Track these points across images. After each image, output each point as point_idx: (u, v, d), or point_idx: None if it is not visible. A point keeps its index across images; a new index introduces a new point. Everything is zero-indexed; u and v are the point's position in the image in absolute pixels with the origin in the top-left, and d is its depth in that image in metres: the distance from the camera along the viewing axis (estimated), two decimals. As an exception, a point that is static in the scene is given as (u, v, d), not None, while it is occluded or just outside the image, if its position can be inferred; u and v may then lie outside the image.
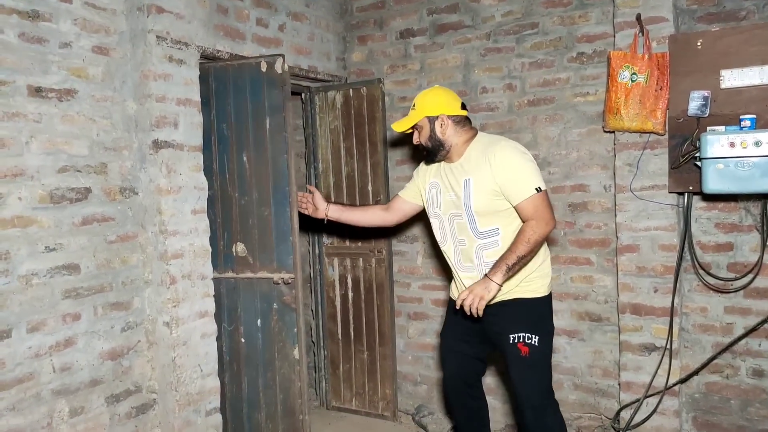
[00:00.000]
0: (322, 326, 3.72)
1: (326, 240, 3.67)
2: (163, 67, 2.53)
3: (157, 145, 2.52)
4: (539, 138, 3.16)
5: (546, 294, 2.34)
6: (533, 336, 2.25)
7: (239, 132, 2.78)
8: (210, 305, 2.75)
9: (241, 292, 2.84)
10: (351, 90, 3.49)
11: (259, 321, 2.83)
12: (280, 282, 2.75)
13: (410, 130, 2.40)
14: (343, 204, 2.97)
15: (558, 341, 3.15)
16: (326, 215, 2.66)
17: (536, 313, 2.27)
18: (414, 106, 2.35)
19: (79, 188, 2.36)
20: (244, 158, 2.79)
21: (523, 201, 2.18)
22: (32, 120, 2.20)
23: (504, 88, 3.24)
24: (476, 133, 2.38)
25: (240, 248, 2.81)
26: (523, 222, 2.22)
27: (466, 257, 2.36)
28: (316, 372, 3.82)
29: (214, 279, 2.80)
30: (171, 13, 2.56)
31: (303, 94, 3.64)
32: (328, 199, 2.80)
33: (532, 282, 2.30)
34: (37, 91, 2.21)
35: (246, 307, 2.84)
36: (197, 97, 2.70)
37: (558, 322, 3.15)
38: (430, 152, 2.36)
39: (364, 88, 3.45)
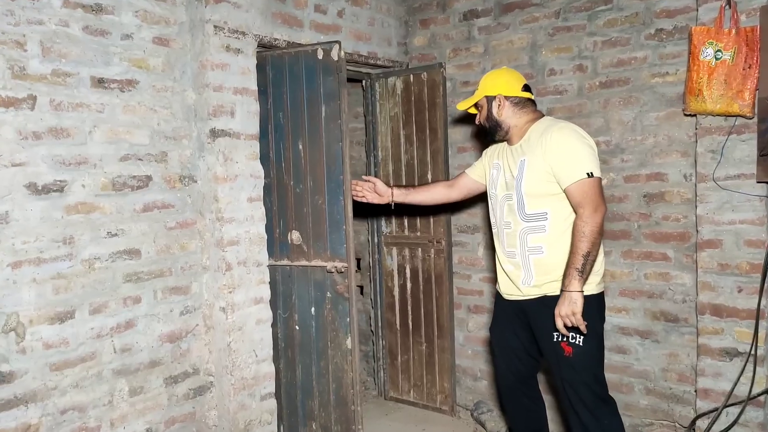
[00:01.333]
0: (380, 316, 3.69)
1: (385, 229, 3.62)
2: (220, 57, 2.56)
3: (214, 133, 2.56)
4: (612, 122, 2.94)
5: (595, 292, 2.19)
6: (577, 336, 2.12)
7: (295, 120, 2.78)
8: (265, 292, 2.78)
9: (296, 279, 2.85)
10: (411, 75, 3.40)
11: (313, 309, 2.83)
12: (333, 270, 2.73)
13: (473, 111, 2.42)
14: (405, 186, 2.96)
15: (629, 342, 2.94)
16: (392, 200, 2.67)
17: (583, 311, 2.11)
18: (478, 86, 2.37)
19: (140, 176, 2.43)
20: (300, 147, 2.78)
21: (572, 184, 2.08)
22: (95, 110, 2.28)
23: (573, 69, 3.03)
24: (540, 116, 2.31)
25: (295, 236, 2.82)
26: (574, 210, 2.12)
27: (511, 241, 2.28)
28: (374, 361, 3.80)
29: (270, 266, 2.82)
30: (228, 2, 2.58)
31: (364, 81, 3.60)
32: (389, 184, 2.76)
33: None
34: (99, 82, 2.29)
35: (300, 295, 2.85)
36: (254, 86, 2.71)
37: (630, 320, 2.94)
38: (488, 132, 2.38)
39: (425, 73, 3.35)
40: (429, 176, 3.40)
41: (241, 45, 2.64)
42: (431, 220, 3.44)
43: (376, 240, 3.68)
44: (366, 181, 2.72)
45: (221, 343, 2.63)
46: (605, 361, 2.34)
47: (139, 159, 2.43)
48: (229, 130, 2.61)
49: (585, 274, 2.05)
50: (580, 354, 2.15)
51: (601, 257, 2.22)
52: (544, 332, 2.22)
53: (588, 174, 2.07)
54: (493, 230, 2.42)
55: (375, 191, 2.69)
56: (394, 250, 3.60)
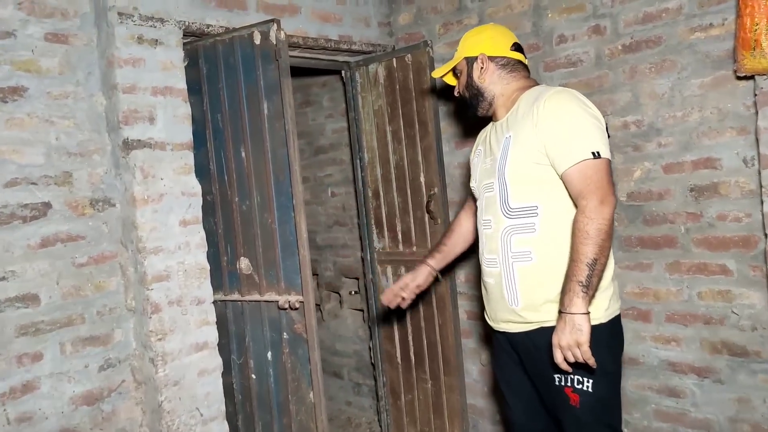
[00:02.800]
0: (379, 347, 3.11)
1: (377, 244, 3.05)
2: (129, 51, 2.08)
3: (128, 145, 2.08)
4: (642, 96, 2.25)
5: (607, 320, 1.62)
6: (585, 379, 1.56)
7: (234, 122, 2.26)
8: (210, 335, 2.28)
9: (249, 317, 2.33)
10: (394, 60, 2.82)
11: (269, 354, 2.30)
12: (286, 306, 2.19)
13: (452, 81, 1.95)
14: (437, 250, 2.12)
15: (683, 382, 2.25)
16: (438, 276, 2.11)
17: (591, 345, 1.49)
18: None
19: (34, 204, 1.98)
20: (242, 154, 2.26)
21: (571, 167, 1.55)
22: (-37, 127, 1.85)
23: (589, 32, 2.37)
24: (534, 84, 1.78)
25: (244, 264, 2.30)
26: (574, 202, 1.59)
27: (491, 245, 1.73)
28: (377, 400, 3.24)
29: (219, 302, 2.32)
30: (137, -18, 2.10)
31: (343, 72, 3.05)
32: (425, 258, 2.10)
33: None
34: (-33, 92, 1.85)
35: (255, 337, 2.33)
36: (182, 84, 2.22)
37: (682, 354, 2.25)
38: (469, 105, 1.87)
39: (409, 55, 2.77)
40: (422, 179, 2.81)
41: (160, 35, 2.15)
42: (427, 231, 2.85)
43: (368, 257, 3.11)
44: (401, 296, 2.07)
45: (153, 402, 2.14)
46: (622, 412, 1.75)
47: (32, 183, 1.98)
48: (149, 140, 2.12)
49: (591, 289, 1.49)
50: (589, 402, 1.58)
51: (610, 267, 1.63)
52: (541, 375, 1.67)
53: (593, 154, 1.54)
54: (478, 227, 1.88)
55: (417, 288, 2.06)
56: (389, 270, 3.02)
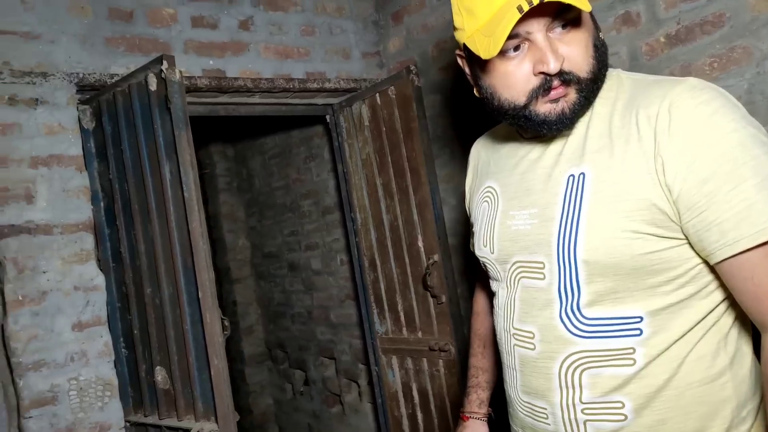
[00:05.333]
0: (391, 461, 2.40)
1: (379, 327, 2.39)
2: None
3: (-4, 233, 1.64)
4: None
5: None
6: None
7: (139, 192, 1.76)
8: (120, 473, 1.73)
9: (169, 448, 1.75)
10: (377, 95, 2.24)
11: (193, 500, 1.70)
12: (198, 440, 1.59)
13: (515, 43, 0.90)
14: (479, 379, 1.32)
15: None
16: (490, 411, 1.31)
17: None
18: None
19: None
20: (149, 232, 1.74)
21: (742, 253, 0.80)
22: None
23: (617, 24, 1.64)
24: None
25: (160, 376, 1.74)
26: (751, 314, 0.85)
27: (532, 382, 0.99)
28: None
29: (134, 425, 1.78)
30: (13, 33, 1.71)
31: (327, 117, 2.50)
32: (475, 404, 1.31)
33: None
34: None
35: (176, 475, 1.74)
36: (74, 151, 1.77)
37: None
38: (569, 112, 0.91)
39: (392, 87, 2.17)
40: (421, 243, 2.15)
41: (41, 92, 1.73)
42: (432, 312, 2.15)
43: (370, 344, 2.45)
44: None
45: None
46: None
47: None
48: (26, 223, 1.67)
49: None
50: None
51: None
52: None
53: None
54: (498, 342, 1.08)
55: None
56: (395, 361, 2.34)
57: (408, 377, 2.29)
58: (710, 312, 0.89)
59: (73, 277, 1.73)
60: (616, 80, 0.94)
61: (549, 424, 0.97)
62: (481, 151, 1.18)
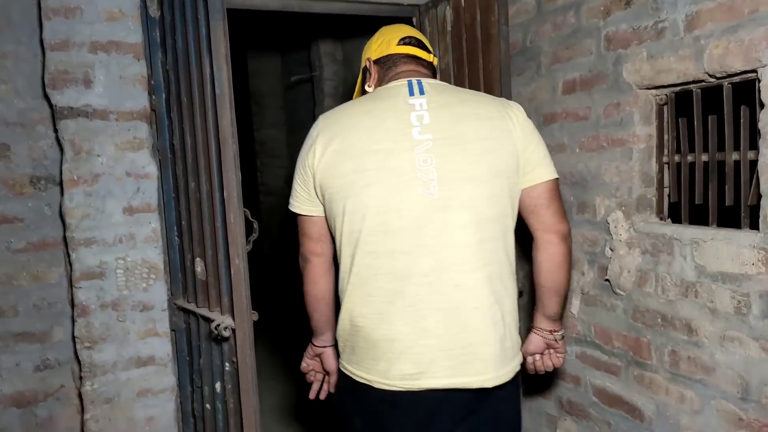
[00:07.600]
0: None
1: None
2: (61, -4, 1.70)
3: (57, 113, 1.73)
4: None
5: None
6: None
7: (186, 86, 1.73)
8: (159, 348, 1.86)
9: (202, 334, 1.83)
10: (462, -5, 1.96)
11: (218, 384, 1.78)
12: (217, 330, 1.62)
13: None
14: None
15: None
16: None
17: None
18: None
19: (-37, 179, 1.77)
20: (194, 127, 1.73)
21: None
22: None
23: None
24: None
25: (200, 268, 1.79)
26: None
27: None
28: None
29: (180, 309, 1.88)
30: None
31: (414, 19, 2.27)
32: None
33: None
34: None
35: (206, 360, 1.82)
36: (134, 38, 1.78)
37: None
38: None
39: (475, -15, 1.87)
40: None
41: (102, -25, 1.73)
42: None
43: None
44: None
45: (75, 420, 1.82)
46: None
47: (-37, 155, 1.77)
48: (83, 107, 1.74)
49: None
50: None
51: None
52: None
53: None
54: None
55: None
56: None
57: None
58: None
59: (125, 163, 1.79)
60: None
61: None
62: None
